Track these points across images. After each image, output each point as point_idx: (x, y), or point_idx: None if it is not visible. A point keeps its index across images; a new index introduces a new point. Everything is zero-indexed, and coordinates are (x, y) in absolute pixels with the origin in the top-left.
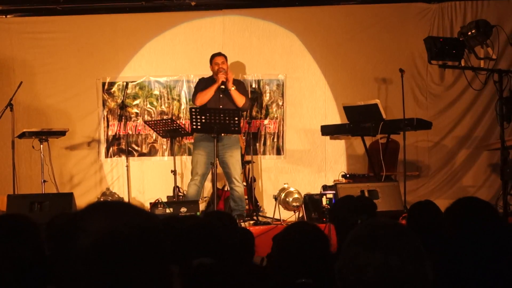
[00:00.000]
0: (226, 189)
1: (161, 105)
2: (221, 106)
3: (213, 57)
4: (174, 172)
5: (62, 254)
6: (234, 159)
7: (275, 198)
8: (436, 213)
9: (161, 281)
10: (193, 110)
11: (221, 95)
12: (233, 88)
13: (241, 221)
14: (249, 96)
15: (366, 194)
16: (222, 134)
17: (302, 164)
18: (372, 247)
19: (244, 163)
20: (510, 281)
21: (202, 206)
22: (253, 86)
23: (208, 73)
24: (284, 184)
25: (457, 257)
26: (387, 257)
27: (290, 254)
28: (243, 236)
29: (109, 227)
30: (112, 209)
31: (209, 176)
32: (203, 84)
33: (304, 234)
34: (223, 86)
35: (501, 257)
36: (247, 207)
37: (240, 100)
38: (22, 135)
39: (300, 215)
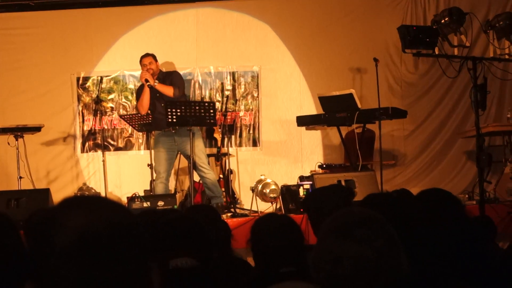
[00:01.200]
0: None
1: (136, 99)
2: (162, 104)
3: (140, 59)
4: (150, 166)
5: (40, 251)
6: (197, 149)
7: (252, 190)
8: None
9: (141, 277)
10: (168, 103)
11: (157, 94)
12: (156, 83)
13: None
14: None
15: (343, 183)
16: (177, 127)
17: (279, 155)
18: (346, 238)
19: (221, 156)
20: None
21: (178, 199)
22: (228, 78)
23: (182, 65)
24: (261, 175)
25: (423, 248)
26: (361, 248)
27: (265, 245)
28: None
29: (87, 223)
30: (89, 204)
31: (186, 170)
32: (139, 93)
33: (274, 225)
34: (149, 83)
35: (462, 247)
36: (224, 199)
37: (167, 91)
38: None
39: (278, 207)
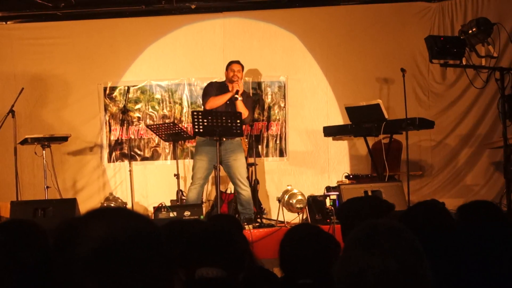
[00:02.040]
0: (229, 192)
1: (163, 109)
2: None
3: (230, 63)
4: (177, 176)
5: (62, 260)
6: (238, 163)
7: (279, 200)
8: (441, 213)
9: (162, 286)
10: (195, 113)
11: (227, 102)
12: (240, 99)
13: (245, 224)
14: (253, 113)
15: (370, 194)
16: (224, 139)
17: (305, 166)
18: (370, 250)
19: (247, 166)
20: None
21: (205, 208)
22: (254, 88)
23: (209, 75)
24: (288, 186)
25: (460, 258)
26: (385, 261)
27: (294, 256)
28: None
29: (109, 233)
30: (111, 215)
31: (212, 179)
32: (215, 89)
33: (300, 234)
34: (236, 96)
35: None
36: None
37: (244, 111)
38: (25, 142)
39: (304, 217)
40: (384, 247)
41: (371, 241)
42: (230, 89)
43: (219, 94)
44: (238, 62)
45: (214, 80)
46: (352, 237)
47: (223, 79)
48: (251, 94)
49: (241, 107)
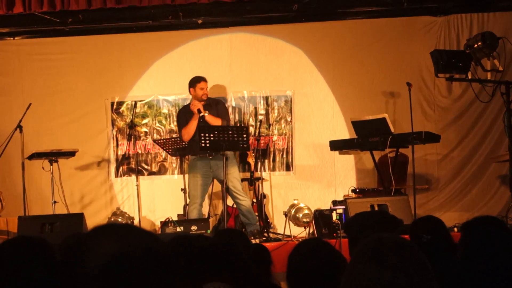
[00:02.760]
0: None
1: (170, 124)
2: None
3: (198, 80)
4: (184, 190)
5: (71, 276)
6: (232, 176)
7: (285, 214)
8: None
9: None
10: (201, 128)
11: (201, 120)
12: (206, 114)
13: (252, 238)
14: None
15: (376, 208)
16: (214, 154)
17: (312, 180)
18: (379, 265)
19: (254, 180)
20: None
21: (211, 223)
22: (261, 103)
23: (216, 90)
24: (294, 200)
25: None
26: (394, 276)
27: (302, 270)
28: (258, 252)
29: (117, 249)
30: (120, 231)
31: (219, 194)
32: (183, 118)
33: (316, 251)
34: (201, 114)
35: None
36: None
37: (216, 122)
38: (32, 157)
39: (311, 231)
40: (392, 261)
41: (379, 255)
42: (193, 110)
43: (189, 120)
44: (204, 79)
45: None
46: (359, 250)
47: (229, 93)
48: (259, 110)
49: (211, 120)
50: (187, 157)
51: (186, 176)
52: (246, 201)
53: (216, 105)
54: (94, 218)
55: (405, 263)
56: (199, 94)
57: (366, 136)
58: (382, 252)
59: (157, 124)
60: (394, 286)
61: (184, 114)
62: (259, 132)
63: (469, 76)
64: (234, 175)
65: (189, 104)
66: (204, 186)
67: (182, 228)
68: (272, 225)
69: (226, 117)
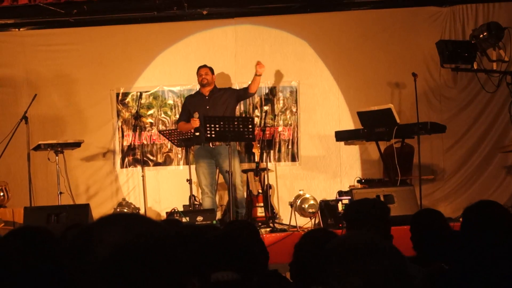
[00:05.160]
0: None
1: (175, 114)
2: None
3: (199, 68)
4: (189, 181)
5: (78, 266)
6: (234, 169)
7: (291, 205)
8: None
9: None
10: (207, 118)
11: (207, 107)
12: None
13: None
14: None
15: (382, 198)
16: (217, 143)
17: (317, 170)
18: (356, 267)
19: (260, 171)
20: None
21: (218, 214)
22: (267, 93)
23: (221, 81)
24: (300, 190)
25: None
26: (373, 276)
27: (308, 261)
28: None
29: (125, 239)
30: (125, 220)
31: (225, 185)
32: (186, 110)
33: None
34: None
35: None
36: (263, 214)
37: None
38: (38, 148)
39: (316, 222)
40: (369, 263)
41: (355, 259)
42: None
43: (196, 106)
44: (204, 66)
45: (195, 90)
46: (331, 257)
47: (235, 84)
48: (264, 101)
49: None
50: (192, 147)
51: (192, 166)
52: (241, 193)
53: (225, 92)
54: (100, 209)
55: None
56: (198, 80)
57: (371, 126)
58: (357, 255)
59: (163, 115)
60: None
61: (188, 104)
62: (265, 123)
63: (475, 67)
64: (236, 166)
65: (199, 92)
66: (211, 174)
67: (188, 218)
68: (278, 216)
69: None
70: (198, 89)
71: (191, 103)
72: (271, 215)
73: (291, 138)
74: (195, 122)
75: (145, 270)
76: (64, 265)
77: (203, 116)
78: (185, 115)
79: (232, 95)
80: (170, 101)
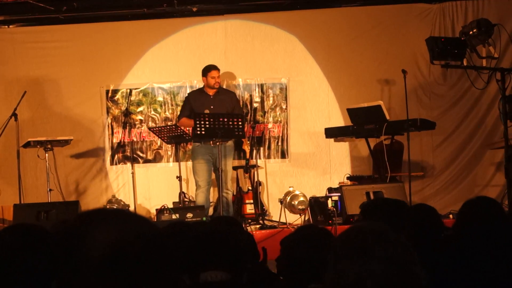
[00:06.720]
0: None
1: (165, 111)
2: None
3: (209, 69)
4: (179, 178)
5: (71, 264)
6: (228, 168)
7: (281, 201)
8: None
9: None
10: (196, 115)
11: (211, 106)
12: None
13: (247, 225)
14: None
15: (372, 195)
16: (218, 143)
17: (307, 167)
18: (367, 256)
19: (249, 168)
20: None
21: (210, 210)
22: (256, 90)
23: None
24: (290, 187)
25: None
26: (384, 266)
27: (299, 258)
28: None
29: (116, 236)
30: (116, 217)
31: (214, 182)
32: (187, 106)
33: (313, 237)
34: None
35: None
36: (252, 211)
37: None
38: (27, 145)
39: (306, 218)
40: (380, 252)
41: (365, 248)
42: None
43: (198, 104)
44: (216, 67)
45: (185, 87)
46: (342, 245)
47: (224, 81)
48: (254, 98)
49: None
50: (182, 144)
51: (182, 163)
52: (230, 194)
53: (229, 95)
54: (90, 206)
55: (392, 251)
56: (211, 83)
57: (361, 123)
58: (367, 243)
59: (152, 112)
60: (385, 277)
61: (192, 100)
62: (254, 119)
63: (465, 63)
64: (230, 167)
65: (203, 88)
66: (209, 171)
67: (177, 215)
68: (267, 213)
69: (242, 114)
70: (202, 87)
71: (195, 101)
72: (261, 212)
73: (281, 135)
74: None
75: (137, 267)
76: (58, 263)
77: (194, 113)
78: (188, 111)
79: (231, 102)
80: (160, 98)
